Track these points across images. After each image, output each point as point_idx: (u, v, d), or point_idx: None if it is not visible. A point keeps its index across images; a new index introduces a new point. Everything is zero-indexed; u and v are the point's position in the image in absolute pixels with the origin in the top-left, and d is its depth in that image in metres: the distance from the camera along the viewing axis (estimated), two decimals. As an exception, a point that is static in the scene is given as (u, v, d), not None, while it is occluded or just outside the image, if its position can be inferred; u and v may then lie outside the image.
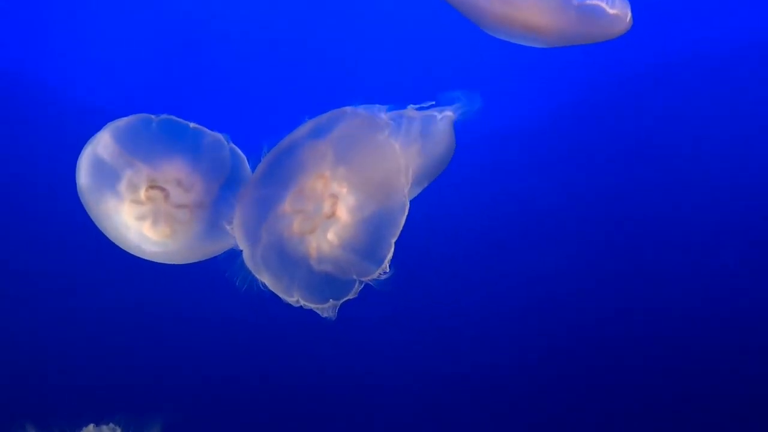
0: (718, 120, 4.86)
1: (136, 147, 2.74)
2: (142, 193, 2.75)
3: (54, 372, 4.95)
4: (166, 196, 2.75)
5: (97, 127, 4.47)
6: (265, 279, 2.76)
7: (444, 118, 2.89)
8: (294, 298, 2.73)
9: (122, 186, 2.76)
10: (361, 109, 2.72)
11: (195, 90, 4.72)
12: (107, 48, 4.63)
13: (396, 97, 2.84)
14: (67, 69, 4.66)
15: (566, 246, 5.02)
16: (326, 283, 2.70)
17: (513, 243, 5.03)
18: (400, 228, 2.70)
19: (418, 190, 3.05)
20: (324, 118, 2.67)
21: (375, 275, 2.68)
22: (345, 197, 2.68)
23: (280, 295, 2.75)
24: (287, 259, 2.70)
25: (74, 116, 4.62)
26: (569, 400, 5.14)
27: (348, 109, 2.67)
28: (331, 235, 2.67)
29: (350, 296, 2.70)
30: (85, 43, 4.62)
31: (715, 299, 5.00)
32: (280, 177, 2.66)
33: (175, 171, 2.74)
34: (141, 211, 2.77)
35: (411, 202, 2.89)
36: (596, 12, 2.75)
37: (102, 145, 2.76)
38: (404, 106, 2.83)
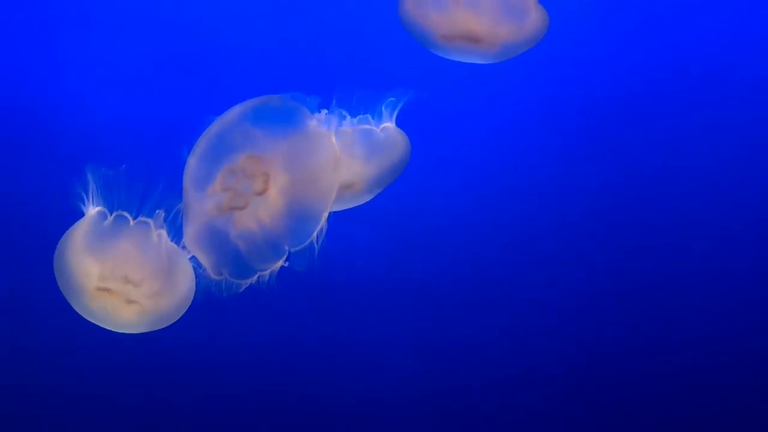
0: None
1: (96, 244, 2.81)
2: (93, 290, 2.84)
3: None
4: (113, 294, 2.83)
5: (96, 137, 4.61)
6: (199, 256, 2.90)
7: (384, 129, 3.06)
8: (222, 276, 2.87)
9: (79, 279, 2.85)
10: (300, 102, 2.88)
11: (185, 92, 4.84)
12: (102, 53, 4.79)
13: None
14: (68, 74, 4.81)
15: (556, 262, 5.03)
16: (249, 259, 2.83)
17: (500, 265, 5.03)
18: (326, 212, 2.83)
19: (370, 196, 3.20)
20: (256, 101, 2.82)
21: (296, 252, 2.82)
22: (276, 177, 2.81)
23: (210, 272, 2.88)
24: (216, 236, 2.83)
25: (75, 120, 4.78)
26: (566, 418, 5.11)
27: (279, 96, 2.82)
28: (261, 213, 2.80)
29: (267, 274, 2.83)
30: (84, 45, 4.79)
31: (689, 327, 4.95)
32: (213, 156, 2.79)
33: (122, 267, 2.81)
34: (97, 303, 2.86)
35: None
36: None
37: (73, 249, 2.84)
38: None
